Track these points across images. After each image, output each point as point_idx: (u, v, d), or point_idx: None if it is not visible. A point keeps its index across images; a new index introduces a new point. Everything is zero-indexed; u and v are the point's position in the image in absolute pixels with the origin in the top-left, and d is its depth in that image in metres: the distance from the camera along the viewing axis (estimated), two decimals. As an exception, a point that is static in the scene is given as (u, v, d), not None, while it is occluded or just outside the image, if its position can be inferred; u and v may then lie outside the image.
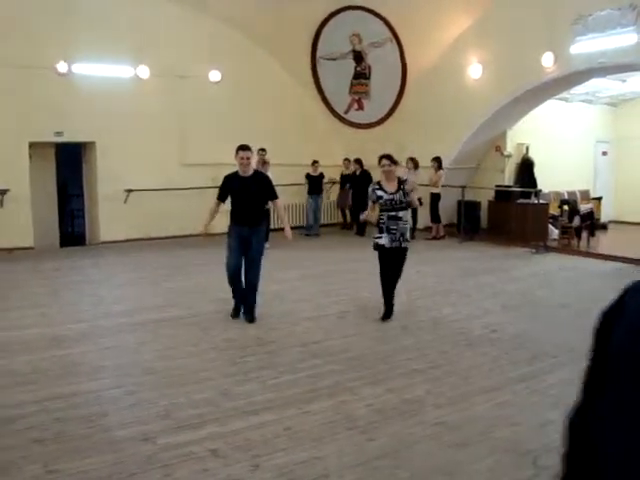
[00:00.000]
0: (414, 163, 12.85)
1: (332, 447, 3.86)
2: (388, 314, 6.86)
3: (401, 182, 6.81)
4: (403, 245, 6.68)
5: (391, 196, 6.67)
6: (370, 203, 6.87)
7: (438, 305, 7.63)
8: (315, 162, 14.08)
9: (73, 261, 10.79)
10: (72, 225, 13.44)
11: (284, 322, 6.81)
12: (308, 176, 14.15)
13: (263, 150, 12.34)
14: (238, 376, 5.12)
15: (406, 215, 6.75)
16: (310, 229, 14.18)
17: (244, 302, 6.92)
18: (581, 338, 6.22)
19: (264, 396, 4.68)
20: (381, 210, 6.73)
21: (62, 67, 11.41)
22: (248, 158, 6.74)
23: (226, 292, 8.15)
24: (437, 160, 12.99)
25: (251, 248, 6.73)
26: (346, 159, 14.47)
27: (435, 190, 13.03)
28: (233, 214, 6.85)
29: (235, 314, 7.00)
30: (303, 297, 8.00)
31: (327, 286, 8.68)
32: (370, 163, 13.98)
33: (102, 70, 11.82)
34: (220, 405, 4.51)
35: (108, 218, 12.19)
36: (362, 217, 7.42)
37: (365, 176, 13.55)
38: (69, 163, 12.68)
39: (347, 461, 3.67)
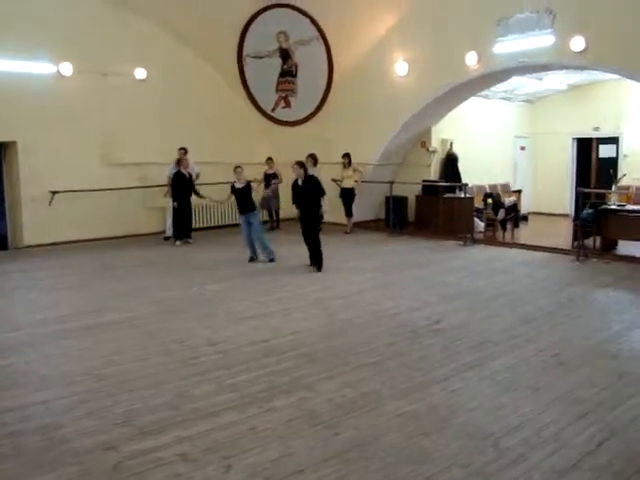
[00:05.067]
0: (313, 159, 12.81)
1: (300, 443, 3.90)
2: None
3: None
4: None
5: None
6: None
7: (378, 299, 7.78)
8: (238, 167, 10.34)
9: (-4, 267, 10.28)
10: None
11: (230, 321, 6.77)
12: (233, 188, 10.39)
13: (182, 149, 12.28)
14: (193, 378, 5.06)
15: None
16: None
17: None
18: (519, 325, 6.60)
19: (223, 396, 4.66)
20: None
21: (-22, 64, 10.81)
22: None
23: (165, 292, 8.13)
24: (347, 156, 13.28)
25: None
26: (268, 158, 14.03)
27: (347, 185, 13.32)
28: None
29: None
30: (243, 296, 7.96)
31: (265, 285, 8.67)
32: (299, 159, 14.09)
33: (23, 67, 11.20)
34: (180, 408, 4.46)
35: (32, 221, 11.64)
36: None
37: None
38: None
39: (318, 456, 3.73)
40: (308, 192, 9.35)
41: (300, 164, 9.55)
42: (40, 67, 11.48)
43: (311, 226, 9.46)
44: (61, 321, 6.84)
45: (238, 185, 10.21)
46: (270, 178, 13.79)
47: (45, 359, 5.62)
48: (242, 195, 10.17)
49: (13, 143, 11.46)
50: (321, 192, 9.47)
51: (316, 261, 9.49)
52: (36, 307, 7.55)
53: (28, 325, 6.71)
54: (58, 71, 11.72)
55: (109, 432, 4.09)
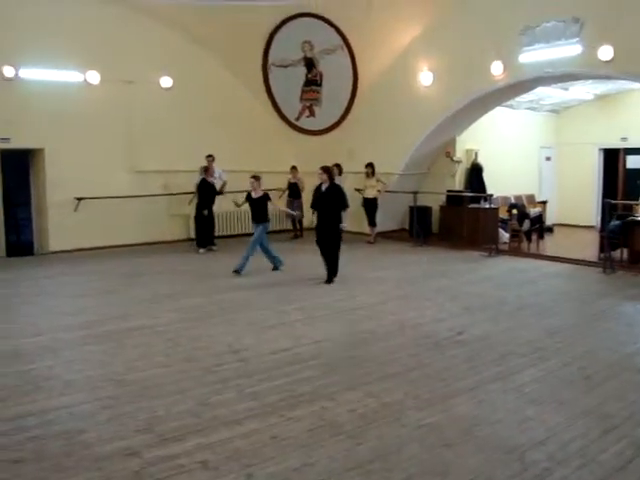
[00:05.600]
0: (338, 169, 12.77)
1: (322, 453, 3.86)
2: None
3: None
4: None
5: None
6: None
7: (401, 309, 7.73)
8: (252, 177, 10.13)
9: (23, 272, 10.41)
10: (17, 234, 12.95)
11: (251, 329, 6.77)
12: (248, 197, 10.19)
13: (209, 156, 12.33)
14: (215, 385, 5.06)
15: None
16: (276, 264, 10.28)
17: None
18: (545, 337, 6.46)
19: (245, 405, 4.64)
20: None
21: (8, 71, 11.03)
22: None
23: (188, 299, 8.16)
24: (371, 166, 13.22)
25: None
26: (293, 167, 14.26)
27: (369, 195, 13.28)
28: None
29: None
30: (265, 304, 7.95)
31: (287, 293, 8.65)
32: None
33: (51, 75, 11.46)
34: (201, 415, 4.45)
35: (58, 227, 11.80)
36: None
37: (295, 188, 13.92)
38: (13, 170, 12.21)
39: (339, 466, 3.69)
40: (330, 198, 9.06)
41: (325, 169, 9.22)
42: (67, 75, 11.70)
43: (330, 238, 9.14)
44: (85, 327, 6.90)
45: (255, 195, 10.04)
46: (294, 187, 13.92)
47: (68, 364, 5.66)
48: (257, 205, 10.01)
49: (40, 150, 11.67)
50: (344, 204, 9.16)
51: (330, 273, 9.27)
52: (60, 313, 7.63)
53: (52, 330, 6.77)
54: (85, 79, 11.91)
55: (131, 438, 4.10)
